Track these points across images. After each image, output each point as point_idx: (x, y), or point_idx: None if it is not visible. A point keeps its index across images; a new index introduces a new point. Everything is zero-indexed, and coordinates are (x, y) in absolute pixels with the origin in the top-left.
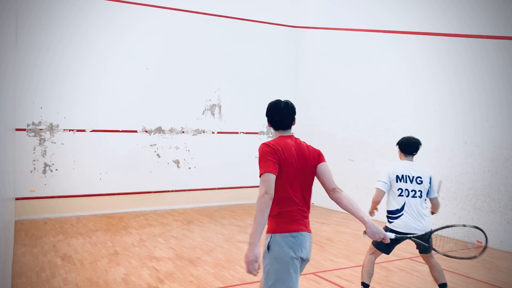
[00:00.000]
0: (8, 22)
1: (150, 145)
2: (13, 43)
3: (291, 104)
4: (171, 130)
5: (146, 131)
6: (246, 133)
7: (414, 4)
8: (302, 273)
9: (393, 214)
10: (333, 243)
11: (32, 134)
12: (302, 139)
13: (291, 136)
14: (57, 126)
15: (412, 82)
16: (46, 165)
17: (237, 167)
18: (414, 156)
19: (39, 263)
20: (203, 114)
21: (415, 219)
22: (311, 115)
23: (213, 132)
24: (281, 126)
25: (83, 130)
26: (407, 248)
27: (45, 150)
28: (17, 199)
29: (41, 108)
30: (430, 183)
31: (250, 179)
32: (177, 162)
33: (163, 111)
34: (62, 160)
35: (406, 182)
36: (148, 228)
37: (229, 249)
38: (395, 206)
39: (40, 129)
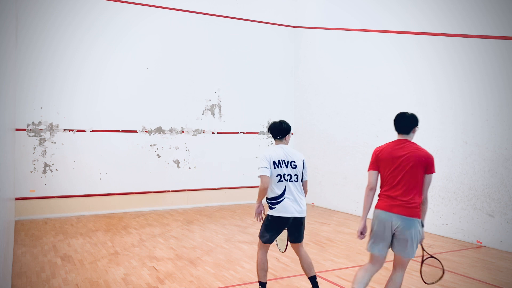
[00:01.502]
0: (8, 22)
1: (150, 145)
2: (13, 43)
3: (409, 115)
4: (171, 130)
5: (146, 131)
6: (246, 133)
7: (414, 5)
8: (302, 273)
9: (275, 200)
10: (333, 243)
11: (32, 134)
12: (302, 139)
13: (402, 140)
14: (57, 126)
15: (412, 82)
16: (46, 165)
17: (237, 167)
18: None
19: (39, 263)
20: (203, 114)
21: (294, 203)
22: (311, 115)
23: (213, 132)
24: (398, 130)
25: (83, 130)
26: None
27: (45, 150)
28: (17, 199)
29: (41, 108)
30: (303, 166)
31: (250, 179)
32: (177, 162)
33: (163, 111)
34: (62, 160)
35: (282, 167)
36: (148, 228)
37: (229, 249)
38: (276, 192)
39: (40, 129)
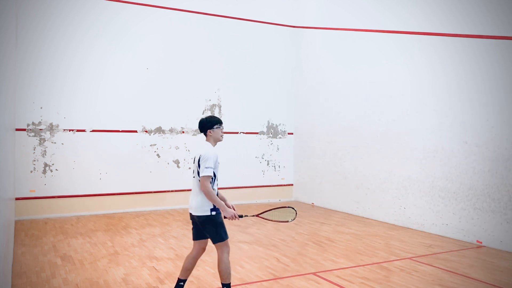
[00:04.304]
0: (8, 22)
1: (150, 145)
2: (13, 43)
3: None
4: (171, 130)
5: (146, 131)
6: (246, 133)
7: (414, 4)
8: (302, 273)
9: None
10: (333, 243)
11: (32, 134)
12: (302, 139)
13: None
14: (57, 126)
15: (412, 82)
16: (46, 165)
17: (237, 167)
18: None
19: (39, 263)
20: (203, 114)
21: (190, 198)
22: (311, 115)
23: None
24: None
25: (83, 130)
26: (407, 248)
27: (45, 150)
28: (17, 199)
29: (41, 108)
30: (198, 162)
31: (250, 179)
32: (177, 162)
33: (163, 111)
34: (62, 160)
35: (194, 162)
36: (148, 228)
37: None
38: None
39: (40, 129)
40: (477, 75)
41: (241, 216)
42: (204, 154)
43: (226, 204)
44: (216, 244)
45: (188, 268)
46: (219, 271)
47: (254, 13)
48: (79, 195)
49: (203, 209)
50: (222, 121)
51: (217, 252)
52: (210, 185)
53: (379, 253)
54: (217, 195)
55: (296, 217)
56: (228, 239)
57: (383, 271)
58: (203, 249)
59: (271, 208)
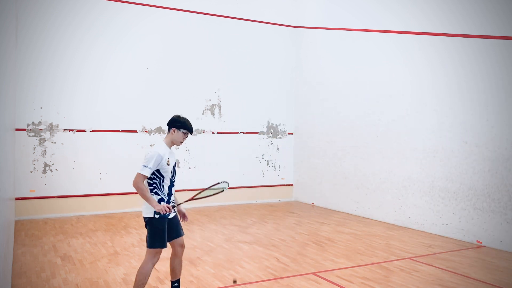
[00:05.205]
0: (8, 22)
1: (150, 145)
2: (13, 43)
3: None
4: None
5: (146, 131)
6: (246, 133)
7: (414, 4)
8: (302, 273)
9: None
10: (333, 243)
11: (32, 134)
12: (302, 139)
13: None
14: (57, 126)
15: (412, 82)
16: (46, 165)
17: (237, 167)
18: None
19: (39, 263)
20: (203, 114)
21: None
22: (311, 115)
23: (213, 132)
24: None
25: (83, 130)
26: (407, 248)
27: (45, 150)
28: (17, 199)
29: (41, 108)
30: None
31: (250, 179)
32: (177, 162)
33: (163, 111)
34: (62, 160)
35: None
36: None
37: (229, 249)
38: None
39: (40, 129)
40: (477, 75)
41: (173, 206)
42: (147, 153)
43: (178, 209)
44: (147, 249)
45: (175, 268)
46: (135, 276)
47: (254, 13)
48: (79, 195)
49: (148, 211)
50: (224, 121)
51: (144, 257)
52: (142, 183)
53: (379, 253)
54: (173, 199)
55: (228, 185)
56: (161, 250)
57: (383, 271)
58: (181, 246)
59: (204, 189)
